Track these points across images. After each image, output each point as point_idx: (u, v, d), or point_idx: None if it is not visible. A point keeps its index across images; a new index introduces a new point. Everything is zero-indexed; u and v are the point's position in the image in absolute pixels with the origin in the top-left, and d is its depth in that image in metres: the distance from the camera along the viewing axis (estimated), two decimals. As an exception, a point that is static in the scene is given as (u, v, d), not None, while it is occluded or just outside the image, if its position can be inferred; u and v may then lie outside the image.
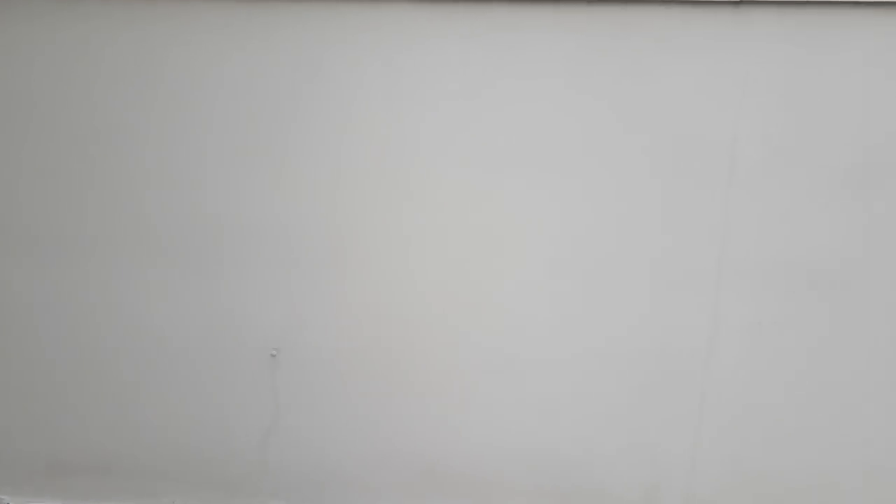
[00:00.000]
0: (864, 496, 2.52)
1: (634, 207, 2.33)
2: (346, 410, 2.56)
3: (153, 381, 2.59)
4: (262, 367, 2.53)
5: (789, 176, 2.27)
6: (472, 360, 2.51)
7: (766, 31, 2.15)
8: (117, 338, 2.56)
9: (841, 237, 2.30)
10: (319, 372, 2.53)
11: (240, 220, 2.48)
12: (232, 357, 2.54)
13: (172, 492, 2.64)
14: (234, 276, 2.50)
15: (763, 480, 2.54)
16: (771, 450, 2.51)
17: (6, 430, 2.65)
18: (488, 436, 2.57)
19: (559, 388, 2.51)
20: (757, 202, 2.30)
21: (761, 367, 2.43)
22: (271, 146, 2.43)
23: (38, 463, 2.66)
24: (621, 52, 2.22)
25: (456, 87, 2.33)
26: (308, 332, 2.50)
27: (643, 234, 2.35)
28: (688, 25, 2.16)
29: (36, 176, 2.48)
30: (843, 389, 2.43)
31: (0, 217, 2.52)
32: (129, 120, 2.43)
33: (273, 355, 2.52)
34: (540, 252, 2.41)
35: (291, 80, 2.38)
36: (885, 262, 2.31)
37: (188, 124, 2.43)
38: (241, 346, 2.53)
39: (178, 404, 2.59)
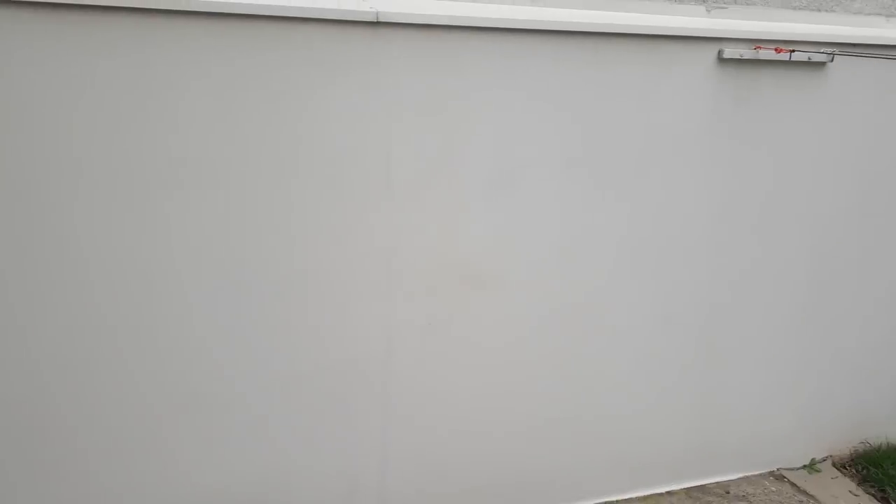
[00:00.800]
0: (541, 473, 2.85)
1: (299, 222, 2.31)
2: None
3: None
4: None
5: (442, 186, 2.44)
6: (146, 398, 2.28)
7: (405, 51, 2.27)
8: None
9: (488, 236, 2.55)
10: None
11: None
12: None
13: None
14: None
15: (449, 471, 2.73)
16: (453, 440, 2.70)
17: None
18: (179, 474, 2.36)
19: (245, 417, 2.40)
20: (416, 209, 2.43)
21: (435, 365, 2.60)
22: None
23: None
24: (272, 67, 2.17)
25: (115, 104, 2.05)
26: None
27: (312, 249, 2.34)
28: (330, 43, 2.18)
29: None
30: (507, 377, 2.71)
31: None
32: None
33: None
34: (209, 274, 2.26)
35: None
36: (526, 258, 2.62)
37: None
38: None
39: None
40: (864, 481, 3.27)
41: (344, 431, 2.55)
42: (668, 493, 3.08)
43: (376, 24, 2.20)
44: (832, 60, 2.78)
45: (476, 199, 2.51)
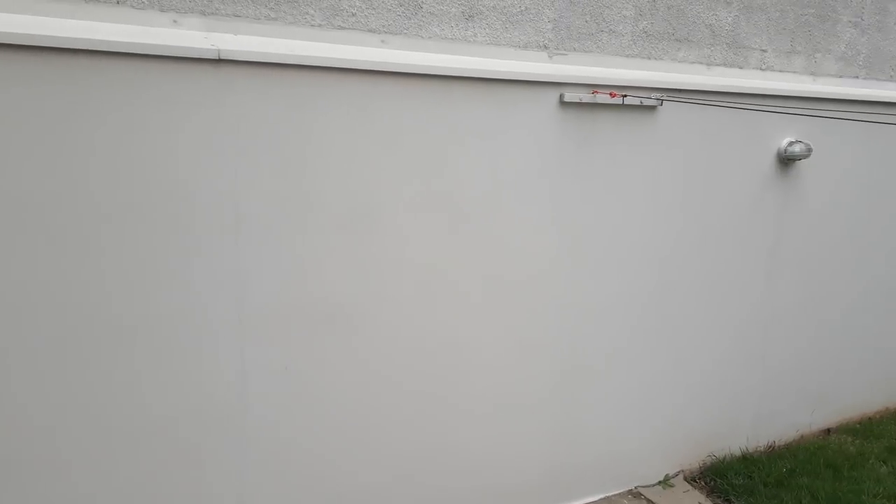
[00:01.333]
0: None
1: (139, 265, 2.19)
2: None
3: None
4: None
5: (295, 226, 2.41)
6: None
7: (252, 90, 2.24)
8: None
9: (347, 275, 2.54)
10: None
11: None
12: None
13: None
14: None
15: (311, 515, 2.65)
16: (315, 483, 2.63)
17: None
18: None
19: (87, 476, 2.21)
20: (268, 250, 2.37)
21: (295, 409, 2.53)
22: None
23: None
24: (108, 104, 2.06)
25: None
26: None
27: (155, 293, 2.22)
28: (170, 81, 2.11)
29: None
30: (368, 416, 2.68)
31: None
32: None
33: None
34: (36, 323, 2.08)
35: None
36: (386, 295, 2.62)
37: None
38: None
39: None
40: (712, 492, 3.51)
41: (199, 482, 2.41)
42: (534, 520, 3.14)
43: (218, 61, 2.16)
44: (661, 104, 3.04)
45: (332, 238, 2.49)
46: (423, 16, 2.63)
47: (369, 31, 2.55)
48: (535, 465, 3.15)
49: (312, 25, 2.45)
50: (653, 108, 3.05)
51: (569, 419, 3.20)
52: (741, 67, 3.44)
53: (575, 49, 2.99)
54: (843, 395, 4.15)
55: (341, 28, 2.49)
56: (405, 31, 2.61)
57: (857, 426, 4.19)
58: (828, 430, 4.11)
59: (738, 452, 3.75)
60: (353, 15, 2.51)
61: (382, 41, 2.58)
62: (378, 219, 2.56)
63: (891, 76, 3.97)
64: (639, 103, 2.97)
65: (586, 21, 2.98)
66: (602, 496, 3.36)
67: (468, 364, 2.87)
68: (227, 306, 2.34)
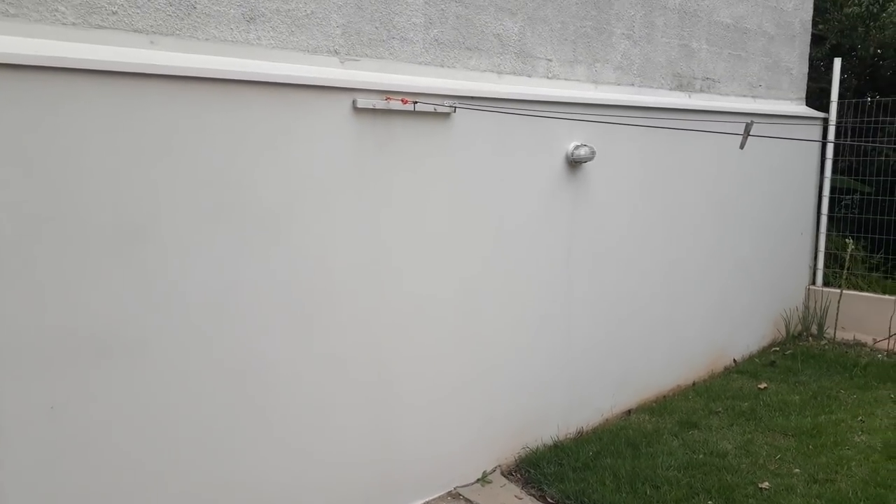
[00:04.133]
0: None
1: None
2: None
3: None
4: None
5: (50, 242, 2.14)
6: None
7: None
8: None
9: (122, 299, 2.30)
10: None
11: None
12: None
13: None
14: None
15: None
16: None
17: None
18: None
19: None
20: (16, 273, 2.09)
21: (65, 456, 2.24)
22: None
23: None
24: None
25: None
26: None
27: None
28: None
29: None
30: (160, 452, 2.45)
31: None
32: None
33: None
34: None
35: None
36: (167, 315, 2.42)
37: None
38: None
39: None
40: (527, 483, 3.63)
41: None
42: (353, 536, 3.06)
43: (-64, 62, 1.86)
44: (455, 111, 3.11)
45: (101, 259, 2.25)
46: (197, 16, 2.47)
47: (135, 31, 2.34)
48: (354, 481, 3.07)
49: (65, 24, 2.20)
50: (447, 115, 3.11)
51: (383, 431, 3.16)
52: (529, 76, 3.62)
53: (367, 55, 2.96)
54: (640, 376, 4.51)
55: (100, 27, 2.27)
56: (178, 31, 2.43)
57: (654, 405, 4.57)
58: (629, 412, 4.44)
59: (549, 441, 3.93)
60: (115, 13, 2.29)
61: (152, 42, 2.38)
62: (155, 236, 2.36)
63: (661, 83, 4.40)
64: (432, 110, 3.01)
65: (376, 27, 2.97)
66: (422, 501, 3.35)
67: (271, 384, 2.73)
68: (-31, 344, 2.03)
